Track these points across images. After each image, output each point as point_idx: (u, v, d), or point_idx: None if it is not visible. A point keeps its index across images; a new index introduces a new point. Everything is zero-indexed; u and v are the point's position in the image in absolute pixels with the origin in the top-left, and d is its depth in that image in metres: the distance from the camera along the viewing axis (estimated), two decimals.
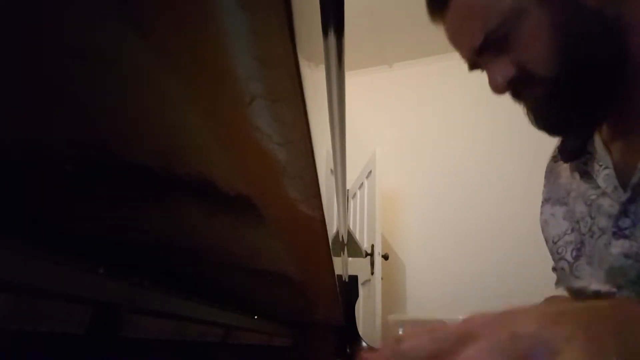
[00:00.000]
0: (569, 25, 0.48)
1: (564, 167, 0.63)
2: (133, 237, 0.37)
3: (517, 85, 0.52)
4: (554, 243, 0.62)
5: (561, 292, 0.67)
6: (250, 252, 0.44)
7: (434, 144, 2.79)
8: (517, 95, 0.54)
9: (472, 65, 0.58)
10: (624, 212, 0.50)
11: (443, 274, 2.52)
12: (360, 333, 1.25)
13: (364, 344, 1.23)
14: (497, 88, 0.53)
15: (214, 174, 0.27)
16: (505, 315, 0.30)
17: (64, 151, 0.24)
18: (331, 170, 0.57)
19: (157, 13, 0.15)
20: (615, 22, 0.48)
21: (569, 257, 0.58)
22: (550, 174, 0.67)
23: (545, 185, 0.68)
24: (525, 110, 0.55)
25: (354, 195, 2.77)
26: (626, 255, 0.49)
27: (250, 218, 0.33)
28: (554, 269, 0.68)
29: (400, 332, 1.89)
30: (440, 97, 2.84)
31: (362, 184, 2.63)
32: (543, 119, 0.53)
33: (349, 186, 2.75)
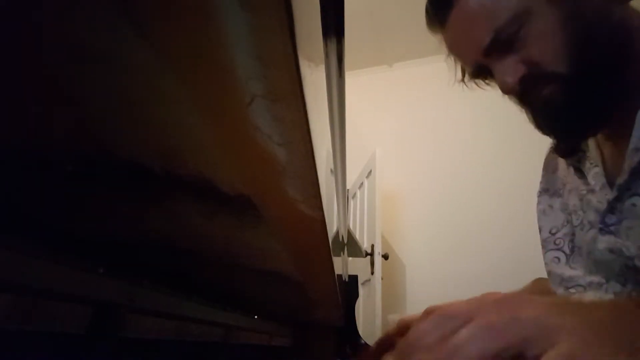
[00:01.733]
0: (578, 22, 0.48)
1: (562, 160, 0.64)
2: (133, 237, 0.37)
3: (527, 85, 0.51)
4: (552, 234, 0.62)
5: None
6: (250, 252, 0.44)
7: (434, 144, 2.79)
8: (526, 97, 0.53)
9: (477, 72, 0.56)
10: (610, 209, 0.51)
11: (443, 274, 2.52)
12: (360, 333, 1.25)
13: (363, 343, 1.23)
14: (508, 88, 0.52)
15: (214, 174, 0.27)
16: (510, 299, 0.29)
17: (64, 151, 0.24)
18: (331, 170, 0.57)
19: (157, 13, 0.15)
20: (621, 22, 0.49)
21: (566, 249, 0.60)
22: (549, 165, 0.68)
23: (543, 176, 0.69)
24: (531, 113, 0.54)
25: (354, 195, 2.77)
26: (611, 251, 0.51)
27: (250, 218, 0.33)
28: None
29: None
30: (441, 97, 2.84)
31: (362, 184, 2.63)
32: (552, 121, 0.52)
33: (349, 186, 2.75)
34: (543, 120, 0.53)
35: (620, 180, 0.50)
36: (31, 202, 0.28)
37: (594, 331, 0.27)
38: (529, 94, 0.52)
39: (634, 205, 0.49)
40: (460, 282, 2.44)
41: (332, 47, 0.26)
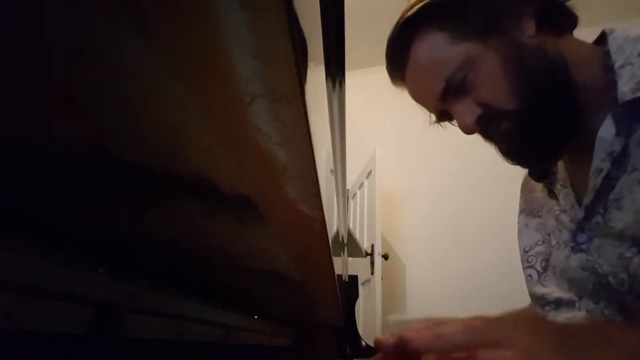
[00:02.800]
0: (517, 63, 0.53)
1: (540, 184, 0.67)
2: (133, 237, 0.37)
3: (484, 123, 0.56)
4: (525, 252, 0.66)
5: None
6: (250, 252, 0.44)
7: (434, 144, 2.79)
8: (486, 133, 0.58)
9: (440, 116, 0.62)
10: (580, 228, 0.54)
11: (443, 274, 2.52)
12: (360, 333, 1.25)
13: (364, 343, 1.23)
14: (467, 128, 0.57)
15: (214, 174, 0.27)
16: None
17: (64, 151, 0.24)
18: (331, 170, 0.57)
19: (157, 13, 0.15)
20: (558, 58, 0.53)
21: (538, 267, 0.63)
22: (526, 187, 0.72)
23: (521, 197, 0.74)
24: (496, 148, 0.58)
25: (354, 195, 2.77)
26: (583, 268, 0.53)
27: (250, 218, 0.33)
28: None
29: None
30: None
31: (362, 184, 2.63)
32: (513, 152, 0.57)
33: (349, 186, 2.75)
34: (506, 152, 0.57)
35: (586, 201, 0.53)
36: (31, 202, 0.28)
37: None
38: (488, 131, 0.57)
39: (597, 223, 0.52)
40: (460, 282, 2.44)
41: (332, 47, 0.26)
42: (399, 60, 0.61)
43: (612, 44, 0.51)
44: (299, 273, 0.52)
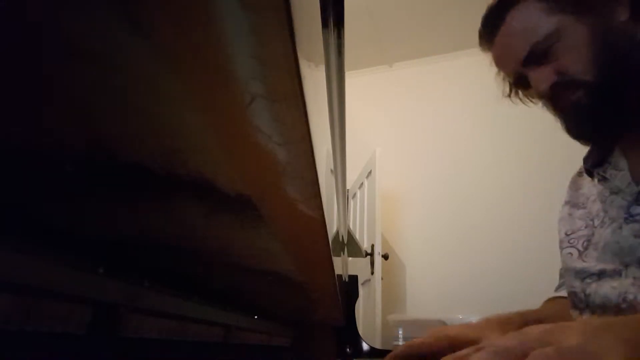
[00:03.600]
0: (604, 37, 0.57)
1: (587, 180, 0.71)
2: (133, 237, 0.37)
3: (558, 90, 0.59)
4: (567, 235, 0.70)
5: (561, 293, 0.75)
6: (250, 252, 0.44)
7: (434, 144, 2.79)
8: (557, 102, 0.61)
9: (517, 80, 0.66)
10: (636, 200, 0.58)
11: (443, 274, 2.52)
12: (360, 333, 1.25)
13: (364, 344, 1.23)
14: (541, 93, 0.60)
15: (214, 174, 0.27)
16: (552, 331, 0.33)
17: (64, 151, 0.24)
18: (331, 170, 0.57)
19: (157, 13, 0.15)
20: None
21: (579, 246, 0.67)
22: (574, 184, 0.76)
23: (567, 192, 0.77)
24: (562, 118, 0.62)
25: (354, 195, 2.77)
26: (636, 236, 0.57)
27: (250, 218, 0.33)
28: (561, 275, 0.77)
29: (400, 332, 1.89)
30: (440, 97, 2.84)
31: (362, 184, 2.63)
32: (579, 124, 0.60)
33: (349, 186, 2.75)
34: (572, 124, 0.61)
35: (628, 179, 0.57)
36: (31, 202, 0.28)
37: (634, 349, 0.30)
38: (560, 99, 0.60)
39: None
40: (460, 282, 2.44)
41: (332, 46, 0.26)
42: (494, 24, 0.65)
43: None
44: (299, 273, 0.52)
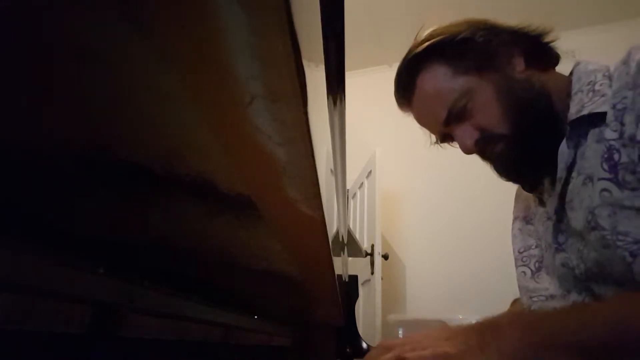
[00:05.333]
0: (508, 92, 0.62)
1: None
2: (133, 237, 0.37)
3: (482, 145, 0.64)
4: (520, 253, 0.76)
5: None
6: (250, 252, 0.44)
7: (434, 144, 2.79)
8: (483, 154, 0.66)
9: (442, 138, 0.71)
10: (559, 230, 0.63)
11: (443, 274, 2.52)
12: (360, 333, 1.25)
13: (364, 344, 1.23)
14: (467, 149, 0.65)
15: (214, 174, 0.27)
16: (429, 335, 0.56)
17: (64, 151, 0.24)
18: (331, 170, 0.57)
19: (157, 13, 0.15)
20: (543, 89, 0.62)
21: (532, 267, 0.73)
22: (519, 197, 0.82)
23: (514, 206, 0.83)
24: (492, 166, 0.67)
25: (354, 195, 2.77)
26: (563, 265, 0.62)
27: (250, 218, 0.33)
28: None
29: (400, 332, 1.89)
30: None
31: (362, 184, 2.63)
32: (506, 171, 0.66)
33: (349, 186, 2.75)
34: (501, 171, 0.66)
35: (553, 206, 0.62)
36: (31, 202, 0.28)
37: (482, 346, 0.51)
38: (485, 152, 0.65)
39: (567, 225, 0.61)
40: (460, 282, 2.44)
41: (332, 47, 0.26)
42: (406, 88, 0.70)
43: (575, 75, 0.62)
44: (299, 273, 0.52)
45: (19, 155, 0.23)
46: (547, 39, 0.66)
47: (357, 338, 1.23)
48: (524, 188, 0.74)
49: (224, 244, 0.41)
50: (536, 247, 0.74)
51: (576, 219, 0.57)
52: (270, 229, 0.36)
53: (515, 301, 0.87)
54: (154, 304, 0.44)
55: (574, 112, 0.58)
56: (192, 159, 0.26)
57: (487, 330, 0.54)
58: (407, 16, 2.62)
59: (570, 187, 0.59)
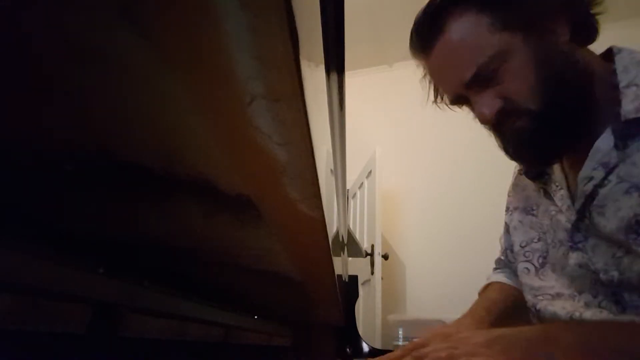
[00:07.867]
0: (549, 63, 0.54)
1: (530, 181, 0.69)
2: (133, 237, 0.37)
3: (502, 117, 0.56)
4: (522, 247, 0.70)
5: (498, 278, 0.86)
6: (250, 252, 0.44)
7: (434, 144, 2.79)
8: (499, 127, 0.58)
9: (455, 99, 0.61)
10: (576, 228, 0.57)
11: (443, 274, 2.52)
12: (360, 333, 1.25)
13: (364, 344, 1.23)
14: (485, 119, 0.57)
15: (214, 174, 0.27)
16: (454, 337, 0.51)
17: (63, 151, 0.24)
18: (331, 170, 0.57)
19: (157, 13, 0.15)
20: (585, 67, 0.55)
21: (535, 263, 0.67)
22: (517, 185, 0.75)
23: (512, 196, 0.76)
24: (502, 141, 0.59)
25: (354, 195, 2.77)
26: (580, 266, 0.57)
27: (250, 218, 0.33)
28: (499, 259, 0.91)
29: (400, 332, 1.89)
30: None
31: (362, 184, 2.63)
32: (520, 150, 0.58)
33: (349, 186, 2.75)
34: (513, 148, 0.58)
35: (577, 205, 0.57)
36: (31, 202, 0.28)
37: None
38: (503, 125, 0.57)
39: (588, 225, 0.56)
40: (460, 282, 2.44)
41: (332, 47, 0.26)
42: (429, 33, 0.59)
43: (619, 64, 0.54)
44: (299, 273, 0.52)
45: (19, 155, 0.23)
46: (596, 10, 0.56)
47: (357, 338, 1.23)
48: (527, 174, 0.68)
49: (224, 244, 0.41)
50: (539, 240, 0.67)
51: (606, 226, 0.52)
52: (270, 229, 0.36)
53: (486, 287, 0.86)
54: (154, 304, 0.44)
55: (631, 109, 0.50)
56: (192, 159, 0.26)
57: (535, 339, 0.48)
58: (407, 16, 2.61)
59: (605, 190, 0.52)
